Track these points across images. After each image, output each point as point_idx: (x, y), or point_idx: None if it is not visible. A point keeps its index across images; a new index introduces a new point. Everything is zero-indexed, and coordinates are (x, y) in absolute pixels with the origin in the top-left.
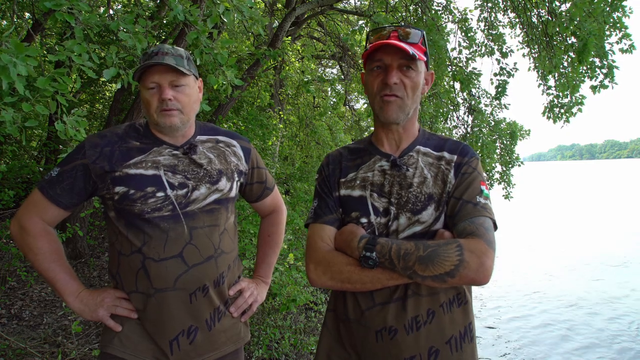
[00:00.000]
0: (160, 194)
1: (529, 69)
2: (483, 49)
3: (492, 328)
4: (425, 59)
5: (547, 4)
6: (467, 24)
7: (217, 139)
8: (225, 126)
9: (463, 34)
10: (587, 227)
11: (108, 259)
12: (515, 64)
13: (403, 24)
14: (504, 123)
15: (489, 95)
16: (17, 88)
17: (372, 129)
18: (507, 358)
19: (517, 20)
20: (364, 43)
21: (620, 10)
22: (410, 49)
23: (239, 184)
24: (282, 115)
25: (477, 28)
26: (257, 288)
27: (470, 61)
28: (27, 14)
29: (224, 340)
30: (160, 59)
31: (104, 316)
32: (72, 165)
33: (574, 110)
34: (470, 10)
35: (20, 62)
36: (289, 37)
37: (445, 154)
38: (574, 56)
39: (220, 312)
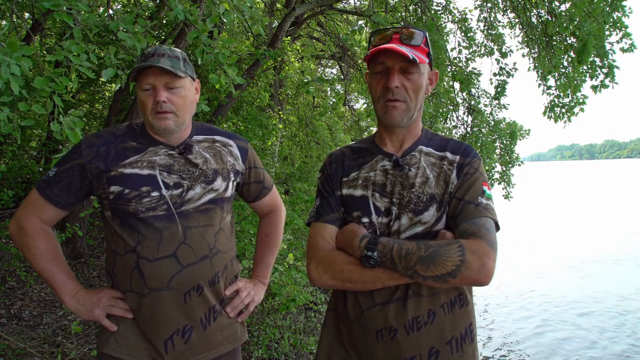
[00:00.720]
0: (155, 193)
1: (528, 69)
2: (483, 49)
3: (492, 328)
4: (428, 60)
5: (546, 4)
6: (466, 24)
7: (214, 138)
8: (225, 126)
9: (463, 34)
10: (587, 227)
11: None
12: (514, 64)
13: (403, 24)
14: (503, 123)
15: (488, 95)
16: (12, 88)
17: (372, 129)
18: (507, 358)
19: (516, 20)
20: (364, 43)
21: (620, 10)
22: (411, 53)
23: (235, 183)
24: (281, 115)
25: (477, 28)
26: (254, 288)
27: (469, 61)
28: (26, 14)
29: (220, 340)
30: (155, 61)
31: (100, 316)
32: (69, 165)
33: (576, 110)
34: (470, 10)
35: (13, 62)
36: (289, 37)
37: (448, 154)
38: (574, 56)
39: (215, 312)
